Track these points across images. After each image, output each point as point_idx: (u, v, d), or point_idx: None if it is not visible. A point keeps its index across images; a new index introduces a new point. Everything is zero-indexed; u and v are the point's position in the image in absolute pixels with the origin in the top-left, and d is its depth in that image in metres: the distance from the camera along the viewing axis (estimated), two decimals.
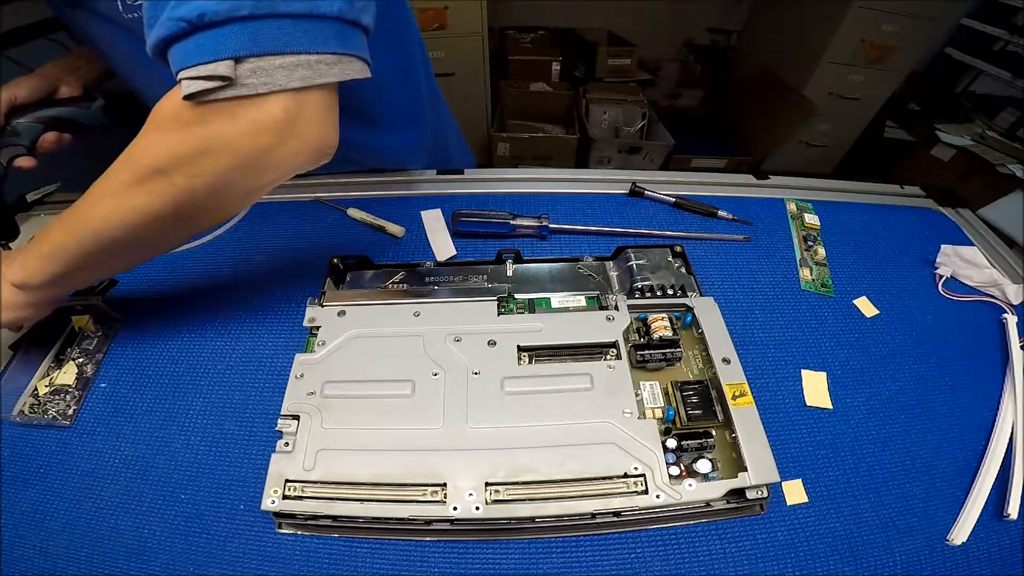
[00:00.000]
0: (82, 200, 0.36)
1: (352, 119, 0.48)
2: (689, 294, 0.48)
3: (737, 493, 0.36)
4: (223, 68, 0.29)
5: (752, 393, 0.39)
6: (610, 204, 0.62)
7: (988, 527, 0.38)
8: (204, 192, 0.33)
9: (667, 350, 0.42)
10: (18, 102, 0.51)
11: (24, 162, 0.51)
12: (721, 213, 0.60)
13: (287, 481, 0.35)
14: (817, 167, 2.05)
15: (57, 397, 0.44)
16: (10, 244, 0.56)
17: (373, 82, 0.37)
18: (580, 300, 0.48)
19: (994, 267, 0.55)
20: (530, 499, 0.35)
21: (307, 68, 0.31)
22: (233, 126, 0.31)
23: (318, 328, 0.45)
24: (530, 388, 0.40)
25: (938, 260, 0.56)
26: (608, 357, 0.43)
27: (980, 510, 0.39)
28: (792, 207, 0.62)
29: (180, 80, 0.30)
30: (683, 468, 0.37)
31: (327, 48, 0.32)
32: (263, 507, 0.34)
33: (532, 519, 0.35)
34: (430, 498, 0.35)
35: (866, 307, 0.52)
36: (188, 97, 0.30)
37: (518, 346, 0.43)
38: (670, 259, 0.51)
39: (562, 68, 1.97)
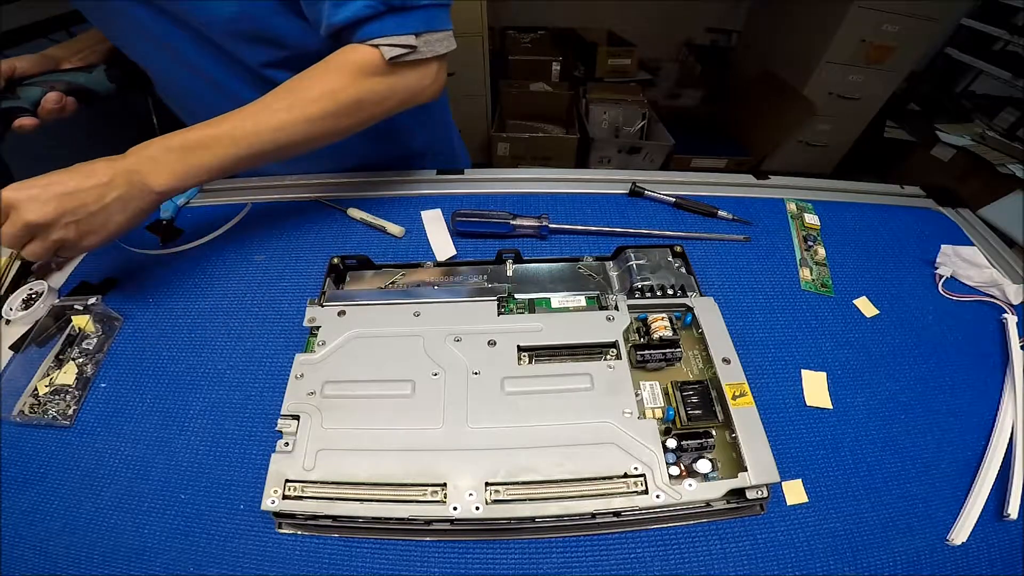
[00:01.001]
0: (254, 126, 0.45)
1: None
2: (689, 294, 0.48)
3: (737, 493, 0.36)
4: (411, 40, 0.46)
5: (752, 393, 0.39)
6: (610, 204, 0.62)
7: (988, 527, 0.38)
8: (379, 114, 0.50)
9: (667, 350, 0.42)
10: (18, 73, 0.51)
11: (25, 121, 0.50)
12: (721, 213, 0.60)
13: (287, 481, 0.35)
14: (817, 167, 2.05)
15: (57, 397, 0.44)
16: None
17: None
18: (580, 300, 0.48)
19: (994, 267, 0.55)
20: (530, 499, 0.35)
21: (446, 40, 0.49)
22: (410, 77, 0.49)
23: (318, 328, 0.45)
24: (530, 388, 0.40)
25: (938, 260, 0.56)
26: (608, 357, 0.43)
27: (980, 510, 0.39)
28: (792, 207, 0.62)
29: (378, 46, 0.45)
30: (683, 468, 0.37)
31: (449, 27, 0.49)
32: (263, 507, 0.34)
33: (532, 519, 0.35)
34: (430, 498, 0.35)
35: (866, 307, 0.52)
36: (390, 59, 0.46)
37: (518, 346, 0.43)
38: (670, 259, 0.51)
39: (562, 68, 1.97)
